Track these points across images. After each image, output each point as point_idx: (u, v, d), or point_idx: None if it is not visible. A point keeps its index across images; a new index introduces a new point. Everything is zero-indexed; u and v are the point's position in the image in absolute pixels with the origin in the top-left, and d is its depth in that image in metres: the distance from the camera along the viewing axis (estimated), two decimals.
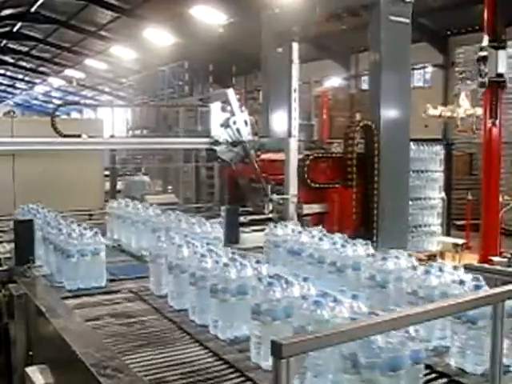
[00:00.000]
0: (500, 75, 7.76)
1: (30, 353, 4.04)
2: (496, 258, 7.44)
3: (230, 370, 2.73)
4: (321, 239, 3.80)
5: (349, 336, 2.03)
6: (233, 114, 6.72)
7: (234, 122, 6.69)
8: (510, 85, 8.39)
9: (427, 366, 2.52)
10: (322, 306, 2.36)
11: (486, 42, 7.86)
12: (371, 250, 3.51)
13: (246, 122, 6.76)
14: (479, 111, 8.86)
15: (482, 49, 7.82)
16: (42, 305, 3.80)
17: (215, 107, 6.86)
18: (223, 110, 6.87)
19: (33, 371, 3.51)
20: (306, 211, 7.09)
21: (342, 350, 2.17)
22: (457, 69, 15.71)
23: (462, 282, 2.74)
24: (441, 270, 2.90)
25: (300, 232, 4.12)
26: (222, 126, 6.69)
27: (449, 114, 10.22)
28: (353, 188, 7.10)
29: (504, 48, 7.79)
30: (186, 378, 2.68)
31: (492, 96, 7.92)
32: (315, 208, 7.28)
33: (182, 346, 3.06)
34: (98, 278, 4.08)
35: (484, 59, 7.90)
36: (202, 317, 3.27)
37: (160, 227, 4.65)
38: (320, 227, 4.17)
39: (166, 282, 3.73)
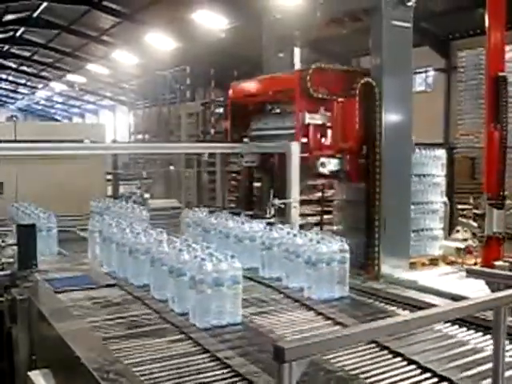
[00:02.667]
0: (499, 233, 7.92)
1: (33, 357, 4.05)
2: (498, 262, 7.44)
3: (135, 300, 4.28)
4: (226, 219, 5.30)
5: (348, 340, 2.04)
6: None
7: None
8: (510, 88, 8.40)
9: (295, 300, 4.23)
10: (183, 253, 3.82)
11: (484, 199, 8.14)
12: (267, 226, 5.01)
13: None
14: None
15: (480, 204, 8.14)
16: (45, 309, 3.81)
17: None
18: None
19: (35, 375, 3.53)
20: (307, 121, 7.00)
21: (188, 274, 3.69)
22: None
23: (318, 242, 4.17)
24: (306, 235, 4.40)
25: (206, 215, 5.70)
26: None
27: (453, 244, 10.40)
28: (355, 98, 6.93)
29: (501, 208, 7.94)
30: (98, 304, 4.17)
31: (490, 250, 8.07)
32: (317, 119, 7.13)
33: (107, 288, 4.60)
34: (51, 248, 5.71)
35: (483, 215, 8.17)
36: (123, 272, 4.74)
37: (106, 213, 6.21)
38: None
39: (100, 250, 5.26)
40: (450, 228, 9.71)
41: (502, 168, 7.94)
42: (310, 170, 7.05)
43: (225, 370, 3.02)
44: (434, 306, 3.74)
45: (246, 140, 7.88)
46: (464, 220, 11.32)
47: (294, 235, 4.43)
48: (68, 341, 3.23)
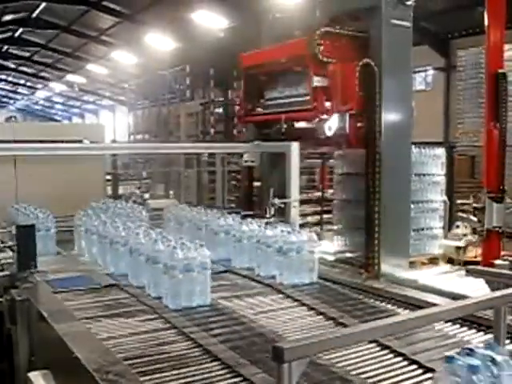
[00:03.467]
0: (498, 227, 7.92)
1: (33, 358, 4.05)
2: (498, 261, 7.43)
3: (114, 287, 4.67)
4: (199, 214, 5.87)
5: (348, 339, 2.04)
6: None
7: None
8: (510, 87, 8.40)
9: (266, 285, 4.66)
10: (158, 243, 4.27)
11: (484, 191, 8.14)
12: (239, 219, 5.47)
13: None
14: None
15: (480, 198, 8.14)
16: (45, 310, 3.81)
17: None
18: None
19: (35, 376, 3.52)
20: (315, 84, 6.99)
21: (162, 262, 4.10)
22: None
23: (288, 233, 4.64)
24: (276, 227, 4.88)
25: (183, 209, 6.27)
26: None
27: (452, 243, 10.37)
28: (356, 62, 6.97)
29: (501, 202, 7.95)
30: (81, 290, 4.50)
31: (490, 245, 8.10)
32: (325, 82, 7.12)
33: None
34: (50, 248, 5.86)
35: (482, 209, 8.15)
36: (104, 260, 5.23)
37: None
38: None
39: (85, 243, 5.74)
40: (450, 226, 9.71)
41: (501, 162, 7.93)
42: (315, 136, 7.05)
43: (188, 342, 3.46)
44: (399, 295, 4.27)
45: (259, 110, 7.87)
46: (464, 215, 11.32)
47: (265, 228, 4.95)
48: (67, 341, 3.23)
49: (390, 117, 7.01)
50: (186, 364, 3.14)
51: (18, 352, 4.13)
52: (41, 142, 6.93)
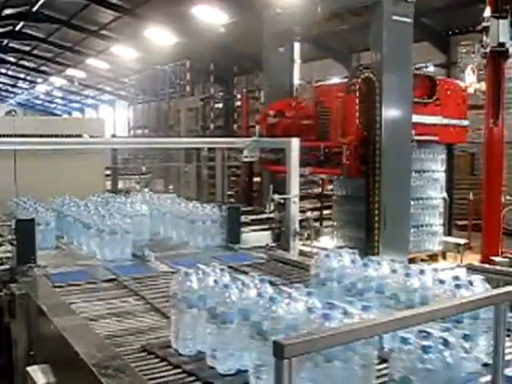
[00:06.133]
0: (502, 44, 7.77)
1: (32, 352, 4.04)
2: (497, 258, 7.44)
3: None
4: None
5: (353, 336, 2.03)
6: None
7: None
8: (510, 85, 8.40)
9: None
10: (91, 214, 5.52)
11: (488, 12, 7.91)
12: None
13: None
14: (484, 86, 8.96)
15: (484, 19, 7.92)
16: (44, 304, 3.80)
17: None
18: None
19: (34, 370, 3.51)
20: None
21: (94, 227, 5.30)
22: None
23: (196, 207, 5.80)
24: (188, 203, 6.06)
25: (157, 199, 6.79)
26: None
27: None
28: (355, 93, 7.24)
29: (506, 17, 7.79)
30: None
31: (494, 67, 7.91)
32: None
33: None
34: (49, 242, 5.82)
35: (486, 29, 7.96)
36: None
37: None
38: None
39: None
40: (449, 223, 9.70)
41: None
42: None
43: (111, 276, 4.58)
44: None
45: None
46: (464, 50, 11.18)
47: (178, 204, 6.15)
48: (66, 336, 3.22)
49: (390, 113, 7.02)
50: (100, 289, 4.26)
51: (17, 346, 4.12)
52: (41, 136, 6.92)
